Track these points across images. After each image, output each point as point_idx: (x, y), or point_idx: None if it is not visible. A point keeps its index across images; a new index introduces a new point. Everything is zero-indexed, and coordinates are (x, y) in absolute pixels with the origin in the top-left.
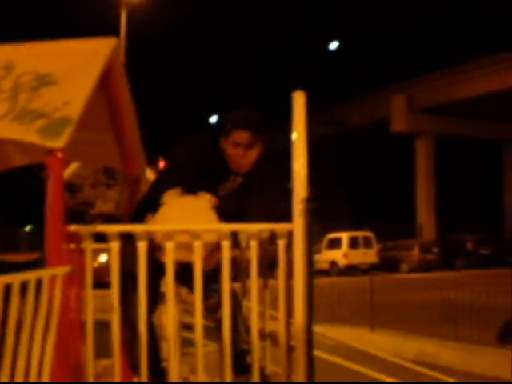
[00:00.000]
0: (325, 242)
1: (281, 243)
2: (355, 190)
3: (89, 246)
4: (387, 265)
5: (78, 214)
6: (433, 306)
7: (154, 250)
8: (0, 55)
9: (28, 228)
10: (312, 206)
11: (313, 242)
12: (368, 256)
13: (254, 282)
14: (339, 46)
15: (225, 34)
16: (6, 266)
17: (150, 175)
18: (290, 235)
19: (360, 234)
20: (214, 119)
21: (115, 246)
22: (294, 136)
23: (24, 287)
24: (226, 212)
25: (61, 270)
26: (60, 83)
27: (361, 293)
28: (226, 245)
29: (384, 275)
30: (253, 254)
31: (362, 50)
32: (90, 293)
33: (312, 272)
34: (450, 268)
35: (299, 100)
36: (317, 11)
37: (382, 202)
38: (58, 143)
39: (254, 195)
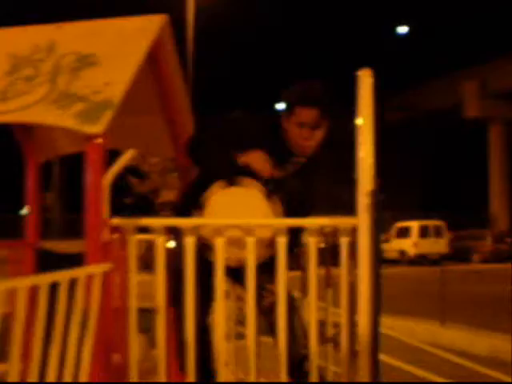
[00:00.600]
0: (394, 230)
1: (344, 241)
2: (426, 177)
3: (132, 239)
4: (458, 255)
5: (146, 201)
6: (507, 299)
7: (204, 248)
8: (43, 36)
9: (24, 211)
10: (379, 200)
11: (380, 235)
12: (439, 245)
13: (312, 286)
14: (409, 31)
15: (292, 17)
16: (54, 258)
17: None
18: (354, 231)
19: (431, 222)
20: (281, 106)
21: (160, 240)
22: (360, 121)
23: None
24: (287, 194)
25: (99, 268)
26: (102, 64)
27: (431, 284)
28: (281, 242)
29: (455, 265)
30: (311, 254)
31: (433, 35)
32: (133, 293)
33: (379, 273)
34: None
35: (365, 80)
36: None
37: (453, 191)
38: (97, 128)
39: (319, 179)
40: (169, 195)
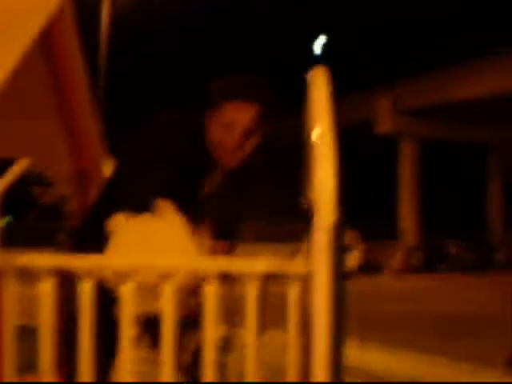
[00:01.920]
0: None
1: (292, 292)
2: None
3: (9, 284)
4: (369, 267)
5: (53, 210)
6: (424, 316)
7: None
8: None
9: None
10: (342, 236)
11: (344, 286)
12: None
13: (251, 344)
14: (324, 47)
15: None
16: None
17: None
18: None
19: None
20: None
21: (46, 287)
22: (316, 132)
23: None
24: (214, 216)
25: None
26: None
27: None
28: (210, 291)
29: (366, 278)
30: (251, 303)
31: (347, 51)
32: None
33: (342, 336)
34: (433, 272)
35: (320, 80)
36: (302, 9)
37: (365, 205)
38: None
39: (254, 190)
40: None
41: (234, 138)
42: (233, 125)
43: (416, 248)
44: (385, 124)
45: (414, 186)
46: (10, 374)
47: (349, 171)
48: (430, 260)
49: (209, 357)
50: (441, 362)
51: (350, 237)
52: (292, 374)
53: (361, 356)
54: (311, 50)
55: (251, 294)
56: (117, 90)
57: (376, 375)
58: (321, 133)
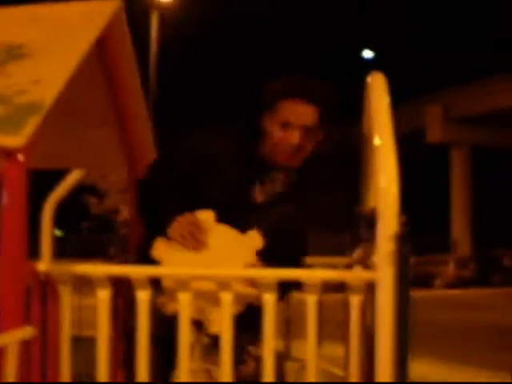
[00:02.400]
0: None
1: (354, 300)
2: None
3: (66, 292)
4: (420, 280)
5: (105, 221)
6: (478, 328)
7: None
8: None
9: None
10: (406, 244)
11: (409, 295)
12: None
13: (311, 355)
14: (374, 56)
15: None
16: None
17: None
18: (370, 288)
19: None
20: None
21: (104, 295)
22: (377, 140)
23: None
24: (272, 225)
25: (15, 336)
26: (34, 56)
27: None
28: (269, 300)
29: (417, 291)
30: (310, 315)
31: (397, 60)
32: (66, 367)
33: (406, 347)
34: (486, 284)
35: (379, 86)
36: (351, 19)
37: (416, 215)
38: (17, 140)
39: (314, 198)
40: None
41: (294, 138)
42: (291, 124)
43: (469, 259)
44: (435, 133)
45: (466, 194)
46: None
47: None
48: (483, 272)
49: (268, 365)
50: (496, 375)
51: None
52: None
53: (416, 368)
54: (361, 58)
55: (312, 303)
56: (166, 98)
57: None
58: (383, 139)
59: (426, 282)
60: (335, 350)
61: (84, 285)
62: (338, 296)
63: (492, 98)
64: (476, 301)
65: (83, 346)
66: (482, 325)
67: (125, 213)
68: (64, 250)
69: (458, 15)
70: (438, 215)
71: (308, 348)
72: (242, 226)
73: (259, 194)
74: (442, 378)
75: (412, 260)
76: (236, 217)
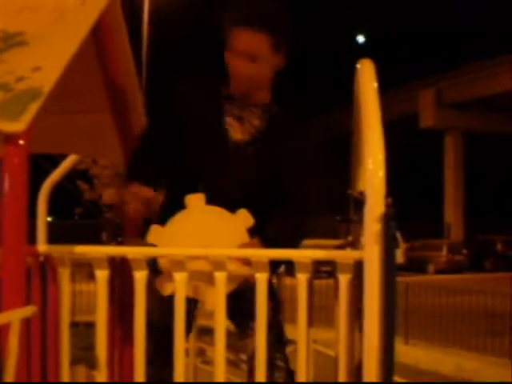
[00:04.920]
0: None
1: (343, 279)
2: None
3: (65, 273)
4: (414, 265)
5: (95, 206)
6: (471, 313)
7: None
8: None
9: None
10: (392, 225)
11: (395, 273)
12: None
13: (302, 332)
14: (365, 40)
15: None
16: None
17: None
18: (357, 267)
19: None
20: None
21: (102, 275)
22: (364, 121)
23: None
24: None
25: (17, 314)
26: (32, 44)
27: None
28: (262, 279)
29: (411, 277)
30: (301, 294)
31: (389, 45)
32: (65, 345)
33: (393, 325)
34: (479, 270)
35: (368, 71)
36: (344, 3)
37: (408, 201)
38: (18, 126)
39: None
40: (113, 194)
41: (243, 66)
42: (240, 52)
43: (461, 245)
44: (428, 118)
45: (458, 180)
46: (65, 366)
47: (394, 167)
48: (476, 257)
49: (261, 342)
50: (488, 360)
51: None
52: (342, 366)
53: (407, 352)
54: (353, 43)
55: (302, 281)
56: (158, 83)
57: (422, 371)
58: (371, 124)
59: (419, 267)
60: (331, 334)
61: (78, 271)
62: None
63: (485, 83)
64: (468, 286)
65: (78, 331)
66: (474, 309)
67: (107, 196)
68: (55, 236)
69: (451, 0)
70: (430, 201)
71: (299, 325)
72: (222, 164)
73: (237, 132)
74: (435, 361)
75: (405, 245)
76: (215, 155)
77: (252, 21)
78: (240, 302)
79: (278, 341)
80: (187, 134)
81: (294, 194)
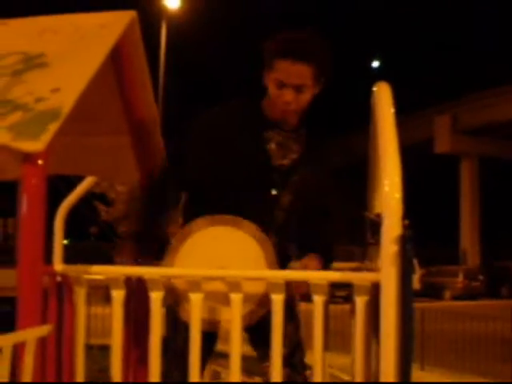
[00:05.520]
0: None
1: (359, 301)
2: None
3: (81, 292)
4: (430, 291)
5: (112, 231)
6: (487, 339)
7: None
8: None
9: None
10: (409, 247)
11: (412, 296)
12: None
13: (318, 355)
14: (380, 65)
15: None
16: None
17: None
18: (374, 289)
19: None
20: None
21: (119, 295)
22: (381, 143)
23: None
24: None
25: (33, 333)
26: (52, 66)
27: None
28: (278, 300)
29: (427, 303)
30: (318, 316)
31: (404, 70)
32: (80, 364)
33: (411, 349)
34: (496, 296)
35: (385, 94)
36: (361, 28)
37: (424, 227)
38: (37, 145)
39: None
40: (132, 224)
41: (287, 96)
42: (285, 83)
43: (478, 271)
44: (443, 144)
45: (474, 206)
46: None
47: (409, 193)
48: (492, 284)
49: (277, 367)
50: None
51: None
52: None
53: (423, 378)
54: (369, 68)
55: (319, 302)
56: (174, 108)
57: None
58: (387, 146)
59: (435, 293)
60: (347, 360)
61: (94, 293)
62: None
63: (500, 109)
64: (485, 312)
65: (93, 354)
66: (490, 336)
67: (126, 223)
68: (71, 258)
69: (467, 26)
70: (446, 227)
71: (315, 348)
72: (267, 188)
73: (279, 158)
74: None
75: (421, 271)
76: (259, 179)
77: (302, 55)
78: (264, 325)
79: (301, 362)
80: (229, 161)
81: (326, 216)
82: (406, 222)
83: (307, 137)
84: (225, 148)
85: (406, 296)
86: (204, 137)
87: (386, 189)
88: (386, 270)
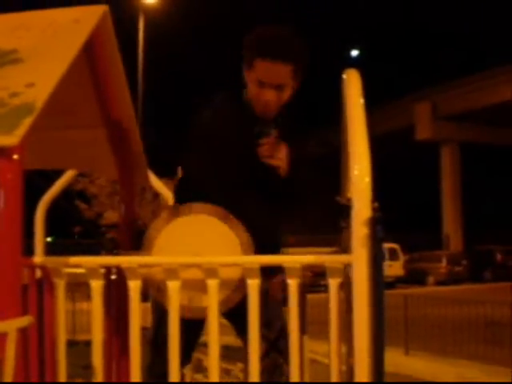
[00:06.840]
0: None
1: (333, 283)
2: (379, 200)
3: (61, 283)
4: (413, 277)
5: (95, 226)
6: (470, 323)
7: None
8: None
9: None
10: (379, 229)
11: (382, 276)
12: (394, 268)
13: (294, 340)
14: (362, 54)
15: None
16: None
17: (162, 188)
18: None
19: (385, 245)
20: None
21: (97, 285)
22: (350, 128)
23: None
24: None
25: (14, 324)
26: (26, 61)
27: (390, 309)
28: (253, 285)
29: (411, 288)
30: (293, 300)
31: (384, 58)
32: (62, 354)
33: (383, 326)
34: (479, 281)
35: (354, 80)
36: (339, 17)
37: (406, 213)
38: (11, 139)
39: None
40: (114, 216)
41: (268, 95)
42: (265, 83)
43: (461, 256)
44: (424, 130)
45: (456, 191)
46: (62, 374)
47: (391, 180)
48: (476, 268)
49: (254, 352)
50: (488, 369)
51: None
52: (334, 369)
53: (407, 363)
54: (348, 57)
55: (293, 285)
56: (154, 105)
57: (423, 382)
58: (356, 131)
59: (418, 279)
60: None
61: (78, 290)
62: None
63: (480, 94)
64: (468, 296)
65: (78, 349)
66: (473, 319)
67: (108, 216)
68: (55, 255)
69: (446, 13)
70: (429, 213)
71: (291, 331)
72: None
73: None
74: (436, 372)
75: (404, 258)
76: (255, 174)
77: (281, 55)
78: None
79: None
80: (233, 159)
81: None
82: (376, 204)
83: (282, 119)
84: (229, 147)
85: (378, 276)
86: (210, 140)
87: (356, 173)
88: (358, 252)
